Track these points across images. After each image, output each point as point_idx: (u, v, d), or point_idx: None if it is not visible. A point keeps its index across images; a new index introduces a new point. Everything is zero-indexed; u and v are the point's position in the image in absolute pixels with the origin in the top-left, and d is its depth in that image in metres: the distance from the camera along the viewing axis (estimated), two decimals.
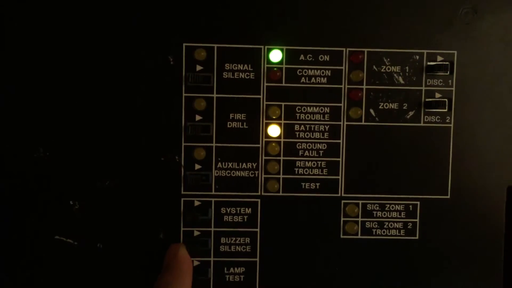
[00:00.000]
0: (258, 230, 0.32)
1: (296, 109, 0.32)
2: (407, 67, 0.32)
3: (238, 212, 0.32)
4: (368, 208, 0.32)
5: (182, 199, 0.32)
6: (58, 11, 0.30)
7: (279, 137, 0.32)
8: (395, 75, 0.32)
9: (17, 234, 0.31)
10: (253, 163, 0.32)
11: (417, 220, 0.32)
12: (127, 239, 0.31)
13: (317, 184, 0.32)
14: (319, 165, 0.32)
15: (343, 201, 0.32)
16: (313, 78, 0.32)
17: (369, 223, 0.32)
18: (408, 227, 0.32)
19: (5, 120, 0.31)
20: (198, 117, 0.31)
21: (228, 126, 0.31)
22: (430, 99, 0.32)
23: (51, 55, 0.30)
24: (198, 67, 0.31)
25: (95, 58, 0.31)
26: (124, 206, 0.31)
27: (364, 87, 0.32)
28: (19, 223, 0.31)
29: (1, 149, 0.31)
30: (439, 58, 0.32)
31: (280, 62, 0.31)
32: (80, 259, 0.31)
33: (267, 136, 0.32)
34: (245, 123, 0.32)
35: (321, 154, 0.32)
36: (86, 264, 0.31)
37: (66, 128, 0.31)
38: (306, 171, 0.32)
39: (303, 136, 0.32)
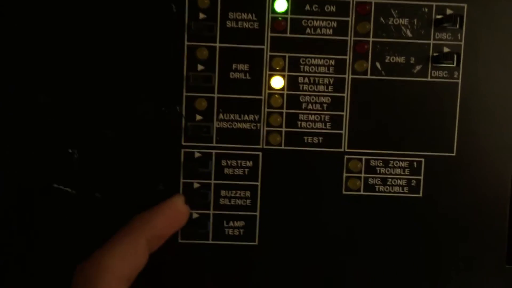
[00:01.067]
0: (259, 183, 0.32)
1: (301, 60, 0.31)
2: (415, 20, 0.31)
3: (239, 165, 0.31)
4: (371, 164, 0.32)
5: (183, 150, 0.31)
6: None
7: (282, 89, 0.31)
8: (403, 27, 0.31)
9: (14, 182, 0.31)
10: (255, 115, 0.31)
11: (421, 177, 0.32)
12: (125, 189, 0.31)
13: (320, 138, 0.31)
14: (322, 119, 0.31)
15: (346, 156, 0.31)
16: (318, 29, 0.31)
17: (372, 179, 0.32)
18: (412, 184, 0.32)
19: (4, 65, 0.30)
20: (200, 67, 0.31)
21: (231, 76, 0.31)
22: (438, 54, 0.31)
23: (53, 3, 0.30)
24: (201, 15, 0.31)
25: (98, 8, 0.30)
26: (124, 156, 0.31)
27: (371, 39, 0.31)
28: (16, 170, 0.31)
29: (1, 95, 0.30)
30: (449, 11, 0.31)
31: (285, 12, 0.31)
32: (77, 208, 0.31)
33: (270, 87, 0.31)
34: (248, 74, 0.31)
35: (324, 108, 0.31)
36: (84, 213, 0.31)
37: (67, 76, 0.30)
38: (309, 124, 0.31)
39: (307, 89, 0.31)
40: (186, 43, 0.31)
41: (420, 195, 0.32)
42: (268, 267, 0.32)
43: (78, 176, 0.31)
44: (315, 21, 0.31)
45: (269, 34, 0.31)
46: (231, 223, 0.32)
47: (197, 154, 0.31)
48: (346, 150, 0.31)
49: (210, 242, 0.32)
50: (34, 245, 0.31)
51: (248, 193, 0.32)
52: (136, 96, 0.31)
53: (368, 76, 0.31)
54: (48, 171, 0.31)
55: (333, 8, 0.31)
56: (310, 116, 0.31)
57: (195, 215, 0.31)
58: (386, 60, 0.31)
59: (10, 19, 0.30)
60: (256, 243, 0.32)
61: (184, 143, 0.31)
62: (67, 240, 0.31)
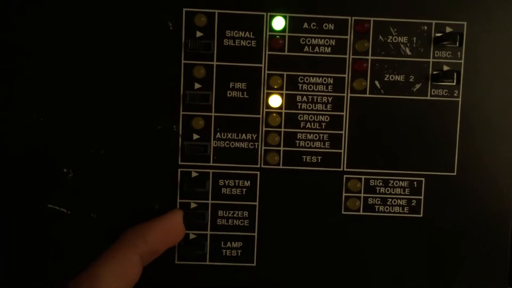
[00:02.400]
0: (257, 203, 0.31)
1: (299, 79, 0.31)
2: (414, 38, 0.31)
3: (236, 184, 0.31)
4: (371, 184, 0.31)
5: (179, 169, 0.31)
6: None
7: (280, 107, 0.31)
8: (402, 45, 0.31)
9: (10, 202, 0.30)
10: (253, 134, 0.31)
11: (422, 197, 0.31)
12: (121, 209, 0.31)
13: (319, 157, 0.31)
14: (321, 138, 0.31)
15: (345, 176, 0.31)
16: (316, 47, 0.31)
17: (371, 199, 0.31)
18: (412, 204, 0.31)
19: None
20: (197, 85, 0.31)
21: (228, 95, 0.31)
22: (438, 72, 0.31)
23: (50, 25, 0.30)
24: (198, 34, 0.30)
25: (94, 24, 0.30)
26: (120, 175, 0.31)
27: (370, 57, 0.31)
28: (11, 190, 0.30)
29: None
30: (448, 29, 0.31)
31: (283, 30, 0.31)
32: (73, 229, 0.31)
33: (268, 106, 0.31)
34: (245, 92, 0.31)
35: (323, 127, 0.31)
36: (79, 234, 0.31)
37: (61, 94, 0.30)
38: (308, 143, 0.31)
39: (305, 108, 0.31)
40: (183, 61, 0.31)
41: (421, 215, 0.31)
42: None
43: (73, 196, 0.31)
44: (313, 39, 0.31)
45: (267, 52, 0.31)
46: (228, 244, 0.31)
47: (194, 174, 0.31)
48: (345, 169, 0.31)
49: (208, 263, 0.31)
50: (30, 266, 0.31)
51: (246, 213, 0.31)
52: (132, 114, 0.30)
53: (367, 95, 0.31)
54: (42, 191, 0.30)
55: (331, 26, 0.31)
56: (308, 135, 0.31)
57: (192, 236, 0.31)
58: (385, 79, 0.31)
59: (6, 40, 0.30)
60: (254, 264, 0.31)
61: (181, 163, 0.31)
62: (63, 261, 0.31)
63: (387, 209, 0.31)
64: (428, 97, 0.31)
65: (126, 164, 0.31)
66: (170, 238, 0.29)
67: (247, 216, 0.31)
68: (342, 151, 0.31)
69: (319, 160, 0.31)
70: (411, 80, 0.31)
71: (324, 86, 0.31)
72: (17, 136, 0.30)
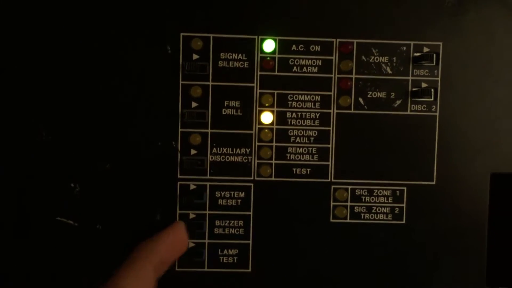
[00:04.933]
0: (251, 213, 0.33)
1: (288, 97, 0.33)
2: (394, 58, 0.33)
3: (232, 196, 0.33)
4: (356, 193, 0.33)
5: (178, 182, 0.33)
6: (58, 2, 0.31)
7: (271, 124, 0.33)
8: (383, 65, 0.33)
9: (20, 215, 0.32)
10: (246, 149, 0.33)
11: (404, 205, 0.33)
12: (125, 220, 0.33)
13: (308, 169, 0.33)
14: (310, 151, 0.33)
15: (332, 186, 0.33)
16: (304, 68, 0.33)
17: (357, 207, 0.33)
18: (395, 211, 0.33)
19: (9, 103, 0.32)
20: (194, 104, 0.33)
21: (223, 113, 0.33)
22: (417, 89, 0.33)
23: (53, 42, 0.32)
24: (195, 56, 0.32)
25: (97, 47, 0.32)
26: (123, 189, 0.32)
27: (354, 76, 0.33)
28: (21, 205, 0.32)
29: (5, 132, 0.32)
30: (425, 49, 0.33)
31: (273, 52, 0.33)
32: (80, 240, 0.32)
33: (260, 123, 0.33)
34: (239, 110, 0.33)
35: (312, 141, 0.33)
36: (86, 245, 0.32)
37: (68, 114, 0.32)
38: (298, 157, 0.33)
39: (295, 123, 0.33)
40: (180, 82, 0.32)
41: (404, 221, 0.33)
42: None
43: (80, 209, 0.32)
44: (301, 60, 0.33)
45: (259, 72, 0.33)
46: (225, 251, 0.33)
47: (192, 186, 0.33)
48: (333, 180, 0.33)
49: (206, 270, 0.33)
50: (39, 275, 0.32)
51: (241, 223, 0.33)
52: (134, 132, 0.32)
53: (352, 111, 0.33)
54: (51, 205, 0.32)
55: (317, 48, 0.33)
56: (298, 149, 0.33)
57: (191, 244, 0.33)
58: (368, 96, 0.33)
59: (16, 59, 0.32)
60: (250, 270, 0.33)
61: (179, 176, 0.33)
62: (71, 270, 0.32)
63: (372, 216, 0.33)
64: (408, 112, 0.33)
65: (129, 178, 0.32)
66: (177, 249, 0.31)
67: (242, 225, 0.33)
68: (330, 163, 0.33)
69: (308, 172, 0.33)
70: (392, 96, 0.33)
71: (312, 103, 0.33)
72: (27, 153, 0.32)
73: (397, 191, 0.33)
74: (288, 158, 0.33)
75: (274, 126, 0.33)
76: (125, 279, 0.27)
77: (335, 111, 0.33)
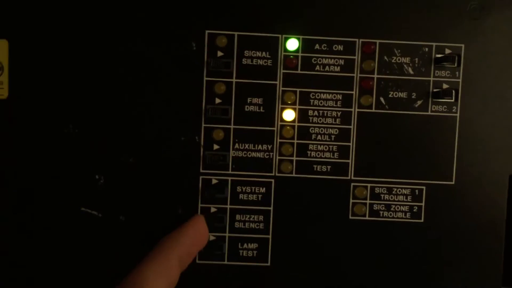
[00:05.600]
0: (271, 208, 0.34)
1: (310, 95, 0.33)
2: (416, 59, 0.33)
3: (253, 191, 0.34)
4: (376, 191, 0.34)
5: (201, 177, 0.33)
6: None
7: (293, 121, 0.33)
8: (405, 65, 0.33)
9: (47, 205, 0.33)
10: (268, 145, 0.33)
11: (423, 204, 0.34)
12: (147, 213, 0.33)
13: (328, 167, 0.34)
14: (330, 149, 0.34)
15: (352, 184, 0.34)
16: (327, 67, 0.33)
17: (376, 205, 0.34)
18: (414, 210, 0.34)
19: (40, 98, 0.33)
20: (217, 100, 0.33)
21: (246, 109, 0.33)
22: (438, 90, 0.33)
23: (82, 39, 0.33)
24: (219, 53, 0.33)
25: (124, 43, 0.33)
26: (146, 182, 0.33)
27: (375, 76, 0.33)
28: (48, 195, 0.33)
29: (35, 126, 0.33)
30: (447, 50, 0.33)
31: (296, 51, 0.33)
32: (103, 230, 0.33)
33: (282, 120, 0.33)
34: (261, 107, 0.33)
35: (332, 139, 0.34)
36: (109, 235, 0.33)
37: (95, 108, 0.33)
38: (318, 154, 0.34)
39: (316, 121, 0.34)
40: (205, 78, 0.33)
41: (422, 220, 0.34)
42: (279, 286, 0.34)
43: (104, 200, 0.33)
44: (324, 59, 0.33)
45: (282, 70, 0.33)
46: (245, 245, 0.34)
47: (214, 181, 0.34)
48: (353, 178, 0.34)
49: (226, 262, 0.34)
50: (62, 262, 0.33)
51: (261, 217, 0.34)
52: (158, 127, 0.33)
53: (373, 110, 0.33)
54: (76, 195, 0.33)
55: (340, 48, 0.33)
56: (319, 146, 0.34)
57: (211, 238, 0.34)
58: (390, 95, 0.33)
59: (45, 55, 0.32)
60: (269, 264, 0.34)
61: (202, 171, 0.33)
62: (94, 259, 0.33)
63: (390, 214, 0.34)
64: (429, 113, 0.34)
65: (153, 171, 0.33)
66: (199, 241, 0.32)
67: (262, 220, 0.34)
68: (350, 161, 0.34)
69: (328, 169, 0.34)
70: (413, 97, 0.34)
71: (334, 101, 0.34)
72: (54, 145, 0.33)
73: (416, 190, 0.34)
74: (309, 155, 0.34)
75: (296, 124, 0.33)
76: (149, 270, 0.27)
77: (357, 110, 0.33)
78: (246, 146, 0.33)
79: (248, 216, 0.34)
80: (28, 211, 0.33)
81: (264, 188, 0.34)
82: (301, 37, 0.33)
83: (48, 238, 0.33)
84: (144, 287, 0.26)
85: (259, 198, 0.34)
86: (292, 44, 0.33)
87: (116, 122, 0.33)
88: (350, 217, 0.34)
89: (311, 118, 0.33)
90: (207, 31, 0.33)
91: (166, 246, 0.29)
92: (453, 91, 0.33)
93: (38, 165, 0.33)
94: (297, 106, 0.33)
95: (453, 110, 0.33)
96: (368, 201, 0.34)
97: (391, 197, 0.34)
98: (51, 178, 0.33)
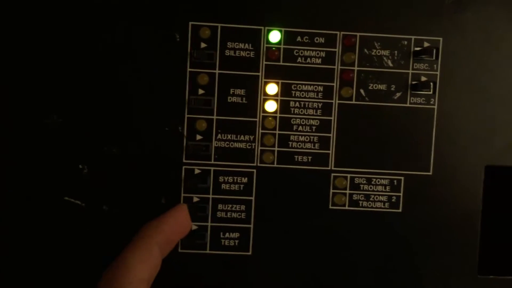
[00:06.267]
0: (253, 198, 0.34)
1: (292, 87, 0.34)
2: (395, 51, 0.34)
3: (235, 181, 0.34)
4: (355, 182, 0.34)
5: (184, 167, 0.34)
6: None
7: (275, 112, 0.34)
8: (384, 58, 0.34)
9: (30, 194, 0.33)
10: (250, 136, 0.34)
11: (401, 194, 0.35)
12: (130, 202, 0.34)
13: (309, 157, 0.34)
14: (311, 140, 0.34)
15: (332, 174, 0.34)
16: (308, 59, 0.34)
17: (356, 195, 0.35)
18: (392, 200, 0.35)
19: (24, 88, 0.33)
20: (201, 91, 0.34)
21: (229, 100, 0.34)
22: (416, 82, 0.34)
23: (65, 29, 0.33)
24: (203, 45, 0.33)
25: (107, 34, 0.33)
26: (130, 171, 0.34)
27: (356, 68, 0.34)
28: (32, 184, 0.33)
29: (19, 115, 0.33)
30: (426, 44, 0.34)
31: (279, 43, 0.34)
32: (86, 220, 0.34)
33: (264, 111, 0.34)
34: (244, 98, 0.34)
35: (313, 130, 0.34)
36: (92, 224, 0.34)
37: (78, 99, 0.33)
38: (300, 145, 0.34)
39: (298, 112, 0.34)
40: (188, 69, 0.33)
41: (400, 210, 0.35)
42: (261, 275, 0.35)
43: (87, 190, 0.34)
44: (305, 51, 0.34)
45: (264, 62, 0.34)
46: (227, 235, 0.34)
47: (196, 171, 0.34)
48: (333, 168, 0.34)
49: (208, 251, 0.34)
50: (45, 252, 0.34)
51: (243, 207, 0.34)
52: (142, 117, 0.33)
53: (353, 102, 0.34)
54: (60, 185, 0.33)
55: (322, 40, 0.34)
56: (300, 137, 0.34)
57: (194, 227, 0.34)
58: (370, 87, 0.34)
59: (29, 45, 0.33)
60: (250, 253, 0.34)
61: (185, 161, 0.34)
62: (77, 248, 0.34)
63: (369, 204, 0.35)
64: (408, 105, 0.34)
65: (136, 161, 0.33)
66: (181, 229, 0.32)
67: (244, 209, 0.34)
68: (330, 152, 0.34)
69: (309, 160, 0.34)
70: (392, 89, 0.34)
71: (315, 93, 0.34)
72: (38, 135, 0.33)
73: (395, 181, 0.34)
74: (290, 146, 0.34)
75: (278, 115, 0.34)
76: (132, 257, 0.28)
77: (337, 101, 0.34)
78: (229, 136, 0.34)
79: (230, 205, 0.34)
80: (11, 200, 0.33)
81: (246, 178, 0.34)
82: (283, 29, 0.34)
83: (32, 227, 0.33)
84: (128, 274, 0.27)
85: (241, 188, 0.34)
86: (275, 36, 0.34)
87: (100, 113, 0.33)
88: (330, 207, 0.34)
89: (292, 109, 0.34)
90: (190, 23, 0.33)
91: (147, 234, 0.30)
92: (431, 84, 0.34)
93: (22, 155, 0.33)
94: (279, 98, 0.34)
95: (431, 102, 0.34)
96: (347, 191, 0.34)
97: (370, 187, 0.34)
98: (35, 168, 0.33)
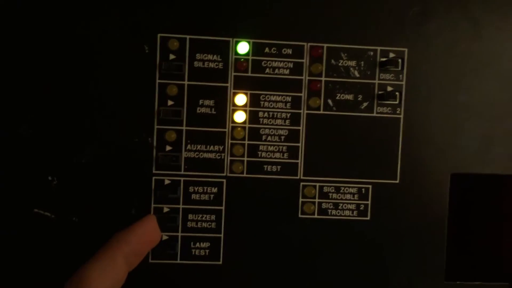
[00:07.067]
0: (223, 208, 0.34)
1: (261, 97, 0.34)
2: (362, 62, 0.35)
3: (205, 191, 0.34)
4: (324, 190, 0.35)
5: (154, 177, 0.34)
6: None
7: (244, 122, 0.34)
8: (351, 69, 0.35)
9: None
10: (220, 146, 0.34)
11: (369, 202, 0.35)
12: (100, 213, 0.34)
13: (278, 167, 0.35)
14: (280, 150, 0.35)
15: (301, 183, 0.35)
16: (276, 70, 0.34)
17: (325, 204, 0.35)
18: (361, 208, 0.35)
19: None
20: (170, 102, 0.34)
21: (198, 111, 0.34)
22: (382, 92, 0.35)
23: (33, 39, 0.33)
24: (171, 56, 0.34)
25: (76, 45, 0.33)
26: (99, 182, 0.34)
27: (323, 79, 0.34)
28: (1, 197, 0.33)
29: None
30: (391, 54, 0.35)
31: (247, 54, 0.34)
32: (56, 232, 0.33)
33: (233, 121, 0.34)
34: (213, 109, 0.34)
35: (282, 140, 0.35)
36: (62, 236, 0.33)
37: (48, 110, 0.33)
38: (269, 154, 0.35)
39: (266, 123, 0.34)
40: (157, 80, 0.34)
41: (368, 218, 0.35)
42: (232, 284, 0.35)
43: (57, 201, 0.33)
44: (273, 62, 0.34)
45: (233, 73, 0.34)
46: (197, 244, 0.35)
47: (166, 181, 0.34)
48: (302, 177, 0.35)
49: (179, 262, 0.34)
50: (14, 263, 0.33)
51: (213, 217, 0.35)
52: (112, 128, 0.33)
53: (321, 112, 0.35)
54: (29, 197, 0.33)
55: (289, 51, 0.34)
56: (269, 147, 0.35)
57: (164, 237, 0.34)
58: (337, 97, 0.35)
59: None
60: (221, 262, 0.35)
61: (155, 171, 0.34)
62: (47, 261, 0.33)
63: (338, 212, 0.35)
64: (374, 114, 0.35)
65: (106, 172, 0.33)
66: (149, 239, 0.32)
67: (214, 219, 0.35)
68: (299, 161, 0.35)
69: (278, 169, 0.35)
70: (359, 99, 0.35)
71: (283, 103, 0.35)
72: (7, 146, 0.33)
73: (363, 189, 0.35)
74: (259, 156, 0.34)
75: (247, 125, 0.34)
76: (94, 270, 0.28)
77: (305, 111, 0.34)
78: (198, 147, 0.34)
79: (201, 215, 0.34)
80: None
81: (216, 188, 0.34)
82: (251, 41, 0.34)
83: (1, 239, 0.33)
84: (87, 283, 0.27)
85: (211, 198, 0.34)
86: (243, 47, 0.34)
87: (70, 123, 0.33)
88: (300, 216, 0.35)
89: (261, 119, 0.34)
90: (159, 35, 0.34)
91: (112, 245, 0.30)
92: (397, 93, 0.35)
93: None
94: (248, 108, 0.34)
95: (397, 112, 0.35)
96: (317, 200, 0.35)
97: (339, 196, 0.35)
98: (4, 179, 0.33)
